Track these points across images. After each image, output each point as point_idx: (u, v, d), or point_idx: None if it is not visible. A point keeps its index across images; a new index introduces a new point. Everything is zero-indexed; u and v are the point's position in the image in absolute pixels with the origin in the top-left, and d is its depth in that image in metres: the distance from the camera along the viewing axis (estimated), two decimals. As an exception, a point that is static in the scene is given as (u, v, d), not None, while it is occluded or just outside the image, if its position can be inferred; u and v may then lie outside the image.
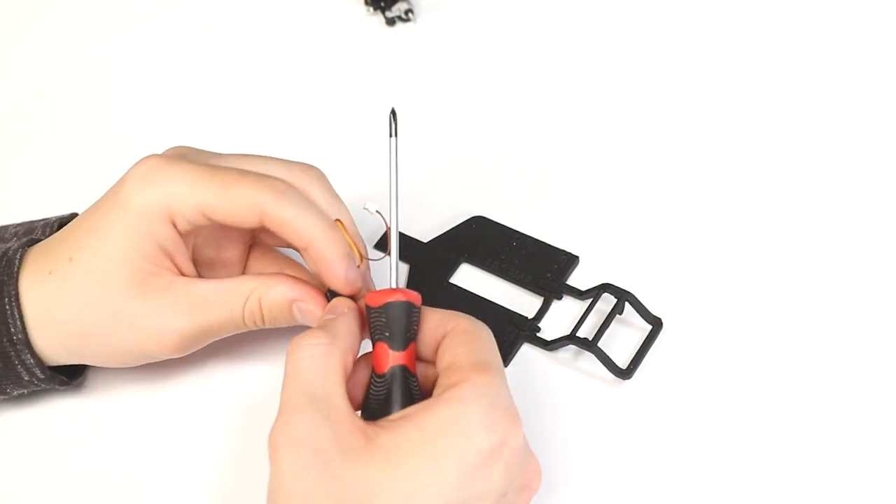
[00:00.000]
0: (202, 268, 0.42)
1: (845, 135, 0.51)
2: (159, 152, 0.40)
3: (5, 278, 0.40)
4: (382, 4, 0.60)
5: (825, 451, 0.40)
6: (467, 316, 0.37)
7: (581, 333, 0.42)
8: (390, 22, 0.60)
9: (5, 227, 0.45)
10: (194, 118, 0.56)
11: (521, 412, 0.35)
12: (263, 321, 0.40)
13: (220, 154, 0.41)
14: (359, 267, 0.40)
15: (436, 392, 0.34)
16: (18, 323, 0.39)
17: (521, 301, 0.40)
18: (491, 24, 0.59)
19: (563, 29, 0.58)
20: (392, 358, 0.35)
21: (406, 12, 0.59)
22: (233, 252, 0.43)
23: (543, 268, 0.44)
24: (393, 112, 0.39)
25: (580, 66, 0.56)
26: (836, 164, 0.49)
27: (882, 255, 0.46)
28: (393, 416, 0.34)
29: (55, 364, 0.41)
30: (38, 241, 0.42)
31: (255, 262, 0.43)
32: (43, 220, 0.44)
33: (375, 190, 0.50)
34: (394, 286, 0.37)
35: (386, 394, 0.35)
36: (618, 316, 0.43)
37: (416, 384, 0.36)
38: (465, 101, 0.55)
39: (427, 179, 0.51)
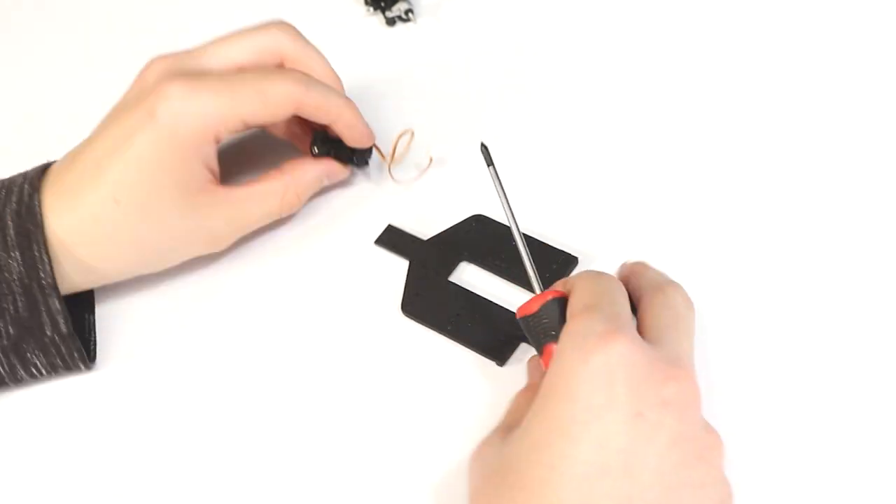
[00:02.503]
0: None
1: (839, 140, 0.51)
2: (154, 69, 0.43)
3: (31, 227, 0.40)
4: (382, 4, 0.60)
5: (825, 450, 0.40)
6: (585, 275, 0.38)
7: None
8: (390, 22, 0.60)
9: None
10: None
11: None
12: (298, 205, 0.47)
13: (199, 50, 0.45)
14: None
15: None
16: (48, 267, 0.40)
17: (520, 301, 0.40)
18: (491, 25, 0.59)
19: (563, 29, 0.58)
20: None
21: (406, 12, 0.59)
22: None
23: (542, 268, 0.44)
24: (483, 146, 0.42)
25: (580, 65, 0.56)
26: (830, 172, 0.49)
27: (882, 256, 0.46)
28: None
29: (79, 290, 0.43)
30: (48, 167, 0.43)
31: None
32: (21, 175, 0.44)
33: (376, 189, 0.51)
34: (538, 291, 0.39)
35: None
36: None
37: None
38: (465, 101, 0.55)
39: (428, 178, 0.51)
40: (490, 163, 0.41)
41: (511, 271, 0.45)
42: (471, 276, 0.46)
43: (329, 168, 0.48)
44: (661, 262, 0.41)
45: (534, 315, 0.37)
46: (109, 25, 0.63)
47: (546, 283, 0.39)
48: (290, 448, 0.41)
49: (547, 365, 0.36)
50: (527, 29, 0.58)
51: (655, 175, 0.50)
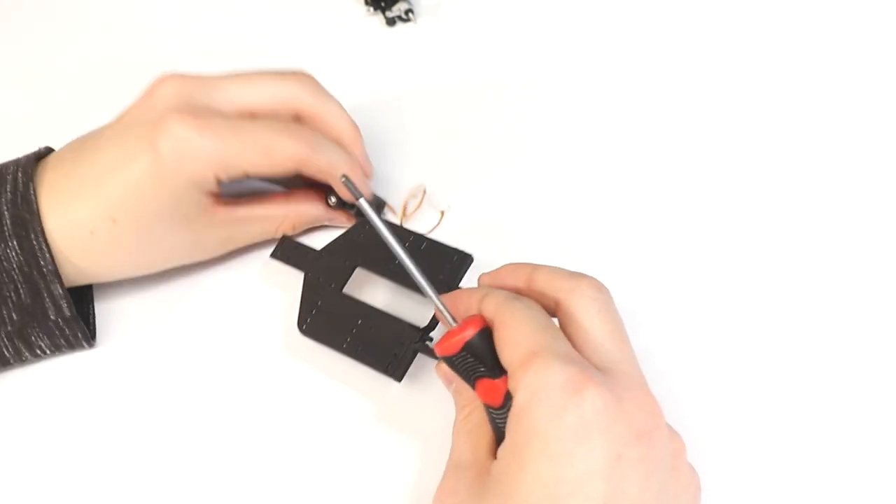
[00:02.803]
0: None
1: (826, 150, 0.51)
2: (165, 97, 0.42)
3: (27, 216, 0.41)
4: (382, 4, 0.60)
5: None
6: (498, 298, 0.35)
7: None
8: (390, 22, 0.60)
9: None
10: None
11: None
12: (294, 231, 0.47)
13: (213, 83, 0.44)
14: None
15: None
16: (48, 255, 0.41)
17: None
18: (491, 25, 0.59)
19: (562, 29, 0.58)
20: (498, 387, 0.34)
21: (406, 12, 0.59)
22: None
23: (436, 268, 0.42)
24: (345, 177, 0.40)
25: (580, 65, 0.56)
26: (812, 183, 0.50)
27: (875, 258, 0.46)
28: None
29: (81, 283, 0.44)
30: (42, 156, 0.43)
31: None
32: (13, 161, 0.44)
33: (373, 187, 0.51)
34: (453, 325, 0.36)
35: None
36: None
37: None
38: (465, 102, 0.55)
39: (428, 177, 0.51)
40: (358, 196, 0.37)
41: (405, 276, 0.40)
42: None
43: (335, 214, 0.48)
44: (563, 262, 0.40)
45: (457, 356, 0.35)
46: (108, 26, 0.63)
47: (439, 285, 0.37)
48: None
49: (483, 398, 0.35)
50: (527, 29, 0.58)
51: (661, 180, 0.50)
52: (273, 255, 0.47)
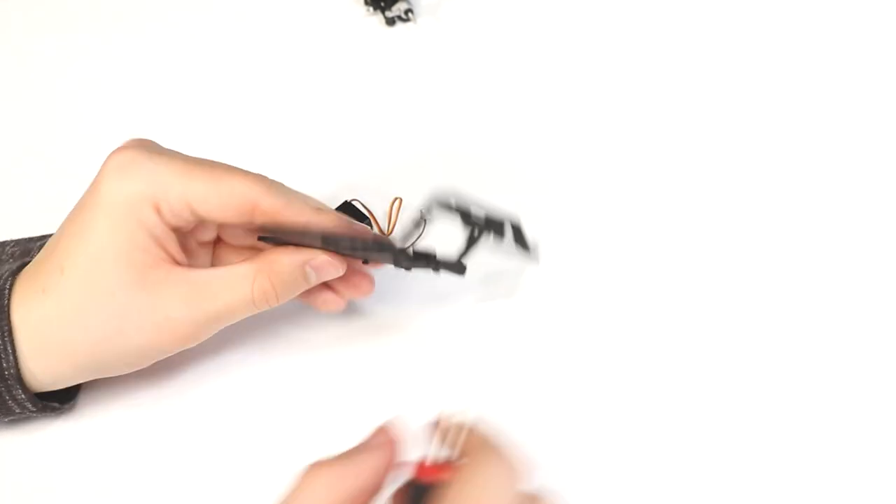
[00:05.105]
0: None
1: (826, 157, 0.51)
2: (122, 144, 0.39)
3: None
4: (382, 4, 0.60)
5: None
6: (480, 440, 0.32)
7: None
8: (390, 22, 0.60)
9: (3, 245, 0.44)
10: (193, 118, 0.56)
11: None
12: (276, 296, 0.40)
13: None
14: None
15: None
16: (11, 358, 0.38)
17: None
18: (491, 25, 0.59)
19: (562, 29, 0.58)
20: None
21: (406, 12, 0.59)
22: (203, 255, 0.42)
23: None
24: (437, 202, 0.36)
25: (580, 65, 0.56)
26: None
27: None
28: None
29: (60, 387, 0.40)
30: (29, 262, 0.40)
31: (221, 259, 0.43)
32: (39, 238, 0.43)
33: (375, 188, 0.51)
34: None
35: None
36: None
37: None
38: (465, 102, 0.55)
39: (427, 177, 0.51)
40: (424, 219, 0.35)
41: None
42: None
43: (314, 254, 0.40)
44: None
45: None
46: (105, 27, 0.63)
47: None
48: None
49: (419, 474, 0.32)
50: (526, 29, 0.58)
51: (667, 184, 0.50)
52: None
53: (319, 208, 0.40)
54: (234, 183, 0.38)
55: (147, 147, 0.39)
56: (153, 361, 0.41)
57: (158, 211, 0.38)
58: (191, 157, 0.39)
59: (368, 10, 0.60)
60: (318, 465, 0.31)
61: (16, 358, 0.38)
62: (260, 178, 0.39)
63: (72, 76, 0.59)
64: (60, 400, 0.42)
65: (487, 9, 0.60)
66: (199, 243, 0.42)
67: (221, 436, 0.42)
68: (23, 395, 0.39)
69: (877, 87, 0.53)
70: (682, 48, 0.56)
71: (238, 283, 0.39)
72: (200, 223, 0.40)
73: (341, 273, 0.41)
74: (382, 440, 0.33)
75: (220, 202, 0.38)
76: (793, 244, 0.47)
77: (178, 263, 0.39)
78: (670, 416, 0.41)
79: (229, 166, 0.39)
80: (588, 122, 0.53)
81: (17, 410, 0.40)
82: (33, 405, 0.40)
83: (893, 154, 0.50)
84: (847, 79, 0.54)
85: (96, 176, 0.38)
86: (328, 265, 0.40)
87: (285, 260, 0.39)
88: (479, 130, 0.53)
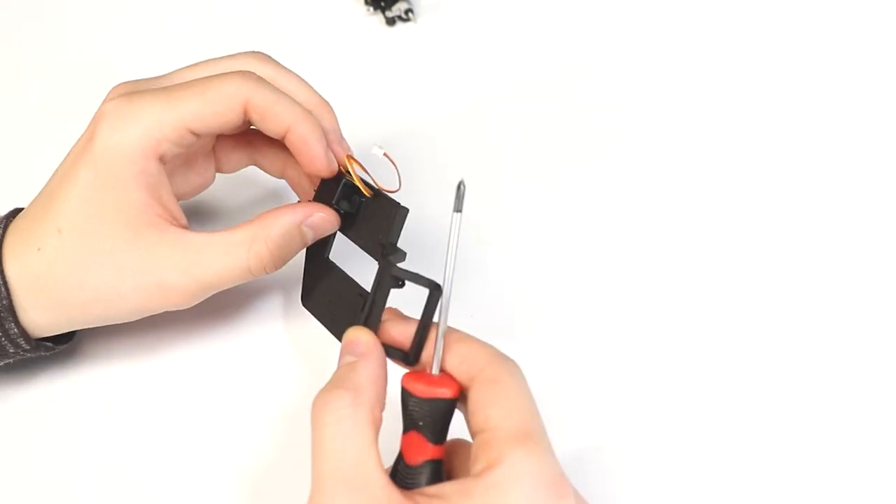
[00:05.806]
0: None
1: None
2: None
3: None
4: (382, 4, 0.60)
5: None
6: (492, 352, 0.33)
7: None
8: (390, 22, 0.60)
9: None
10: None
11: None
12: (273, 263, 0.39)
13: (163, 77, 0.41)
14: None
15: (473, 469, 0.31)
16: (4, 290, 0.38)
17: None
18: (491, 25, 0.59)
19: (562, 29, 0.58)
20: (427, 451, 0.32)
21: (406, 12, 0.59)
22: (204, 172, 0.43)
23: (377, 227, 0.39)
24: (461, 185, 0.34)
25: (579, 65, 0.56)
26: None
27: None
28: (430, 490, 0.31)
29: (51, 334, 0.40)
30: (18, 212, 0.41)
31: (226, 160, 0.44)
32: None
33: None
34: (436, 372, 0.33)
35: (413, 485, 0.32)
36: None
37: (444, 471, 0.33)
38: (465, 102, 0.55)
39: (427, 177, 0.51)
40: (459, 209, 0.34)
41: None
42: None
43: (309, 211, 0.40)
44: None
45: (416, 399, 0.32)
46: (99, 28, 0.63)
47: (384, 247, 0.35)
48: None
49: (405, 448, 0.33)
50: (526, 29, 0.58)
51: (675, 201, 0.50)
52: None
53: (308, 112, 0.40)
54: (222, 87, 0.38)
55: (132, 90, 0.39)
56: (146, 316, 0.41)
57: (159, 155, 0.38)
58: (174, 84, 0.39)
59: (368, 10, 0.60)
60: (322, 399, 0.31)
61: (8, 291, 0.38)
62: (249, 75, 0.39)
63: (72, 76, 0.59)
64: (56, 341, 0.41)
65: (488, 9, 0.60)
66: (203, 156, 0.43)
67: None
68: (16, 330, 0.39)
69: (877, 89, 0.53)
70: (682, 46, 0.56)
71: (233, 250, 0.39)
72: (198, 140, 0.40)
73: (336, 228, 0.41)
74: (360, 351, 0.33)
75: (214, 110, 0.38)
76: (793, 244, 0.47)
77: (173, 220, 0.39)
78: (671, 416, 0.41)
79: (210, 76, 0.39)
80: (588, 122, 0.53)
81: (11, 350, 0.40)
82: (27, 342, 0.39)
83: (893, 156, 0.50)
84: (847, 80, 0.54)
85: (88, 129, 0.39)
86: (324, 222, 0.40)
87: (281, 222, 0.39)
88: (478, 130, 0.53)
